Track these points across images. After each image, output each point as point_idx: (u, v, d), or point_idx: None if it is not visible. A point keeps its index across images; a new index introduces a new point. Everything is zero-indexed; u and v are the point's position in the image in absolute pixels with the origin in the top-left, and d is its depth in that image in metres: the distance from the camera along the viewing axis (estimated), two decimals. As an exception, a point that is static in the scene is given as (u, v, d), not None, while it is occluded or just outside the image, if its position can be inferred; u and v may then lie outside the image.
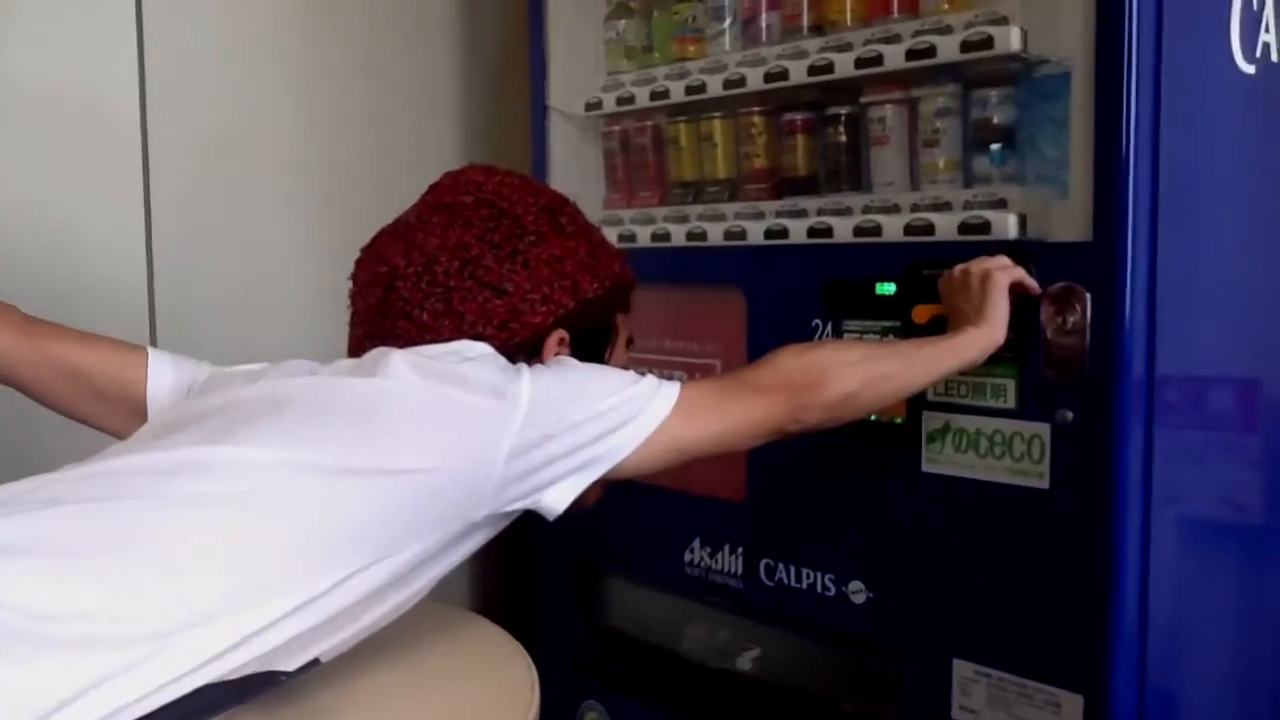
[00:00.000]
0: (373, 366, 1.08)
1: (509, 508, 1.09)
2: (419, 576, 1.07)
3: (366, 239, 1.30)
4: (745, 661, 1.81)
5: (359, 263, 1.28)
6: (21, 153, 1.82)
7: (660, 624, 1.95)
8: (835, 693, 1.70)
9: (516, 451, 1.05)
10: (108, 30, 1.88)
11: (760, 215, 1.70)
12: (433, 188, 1.30)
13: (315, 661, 1.02)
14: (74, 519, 0.93)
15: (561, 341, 1.23)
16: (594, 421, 1.10)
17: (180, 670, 0.90)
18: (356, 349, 1.23)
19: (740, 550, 1.73)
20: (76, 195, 1.87)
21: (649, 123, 1.91)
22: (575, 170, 1.98)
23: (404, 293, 1.18)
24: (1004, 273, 1.35)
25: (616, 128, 1.96)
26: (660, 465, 1.16)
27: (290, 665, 0.99)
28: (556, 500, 1.11)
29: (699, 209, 1.80)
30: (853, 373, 1.24)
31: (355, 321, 1.26)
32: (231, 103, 2.03)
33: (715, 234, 1.74)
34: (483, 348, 1.15)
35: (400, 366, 1.07)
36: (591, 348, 1.27)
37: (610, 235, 1.64)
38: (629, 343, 1.36)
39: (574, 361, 1.18)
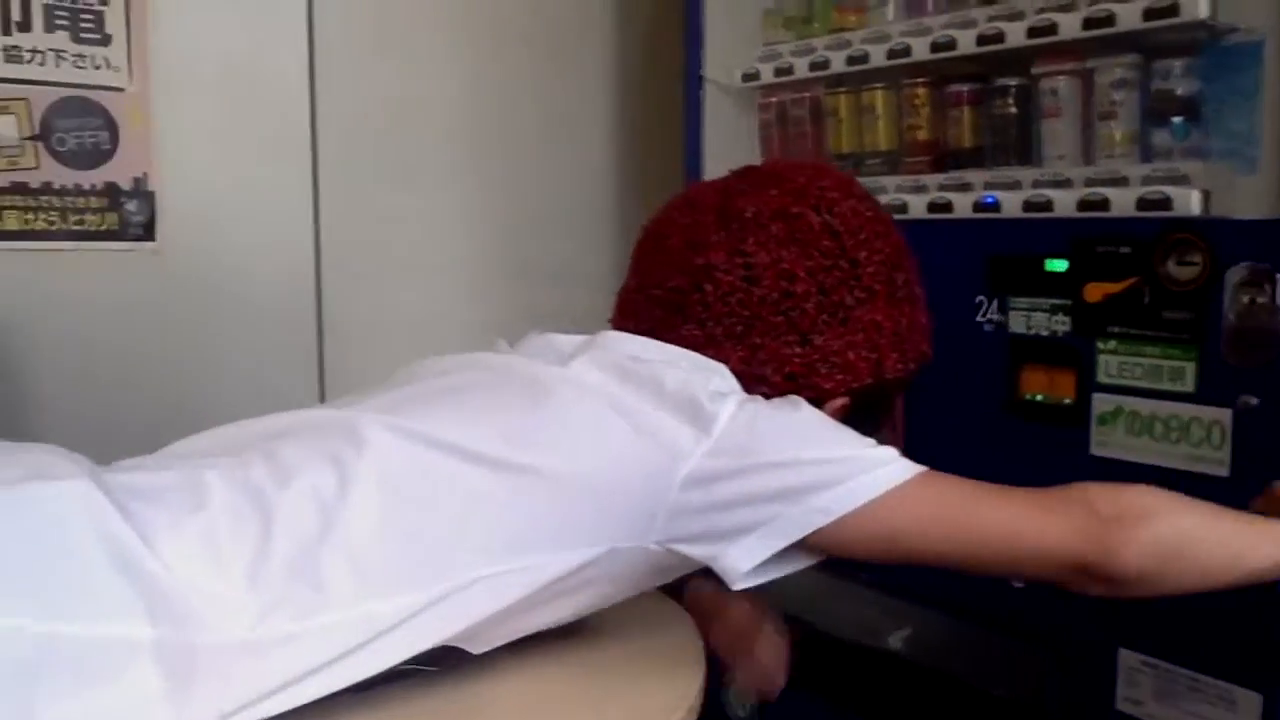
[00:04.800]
0: (570, 356, 1.00)
1: (684, 547, 0.94)
2: (579, 591, 0.95)
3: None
4: (896, 641, 1.79)
5: (671, 214, 1.13)
6: (194, 128, 1.89)
7: (807, 600, 1.93)
8: (986, 677, 1.67)
9: (694, 480, 0.92)
10: (278, 3, 1.95)
11: (922, 188, 1.66)
12: (777, 176, 1.11)
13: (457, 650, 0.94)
14: (224, 488, 0.87)
15: (841, 409, 1.06)
16: (795, 469, 0.92)
17: (316, 664, 0.84)
18: (625, 308, 1.13)
19: (894, 529, 1.71)
20: (246, 169, 1.94)
21: (806, 94, 1.88)
22: (729, 142, 1.96)
23: (710, 299, 1.05)
24: None
25: (773, 99, 1.94)
26: (868, 554, 0.94)
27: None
28: (740, 560, 0.92)
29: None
30: (1182, 516, 0.98)
31: (639, 285, 1.12)
32: (397, 75, 2.07)
33: (875, 208, 1.71)
34: (716, 365, 1.02)
35: (589, 365, 0.98)
36: (866, 421, 1.05)
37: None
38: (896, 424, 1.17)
39: (804, 403, 1.00)
